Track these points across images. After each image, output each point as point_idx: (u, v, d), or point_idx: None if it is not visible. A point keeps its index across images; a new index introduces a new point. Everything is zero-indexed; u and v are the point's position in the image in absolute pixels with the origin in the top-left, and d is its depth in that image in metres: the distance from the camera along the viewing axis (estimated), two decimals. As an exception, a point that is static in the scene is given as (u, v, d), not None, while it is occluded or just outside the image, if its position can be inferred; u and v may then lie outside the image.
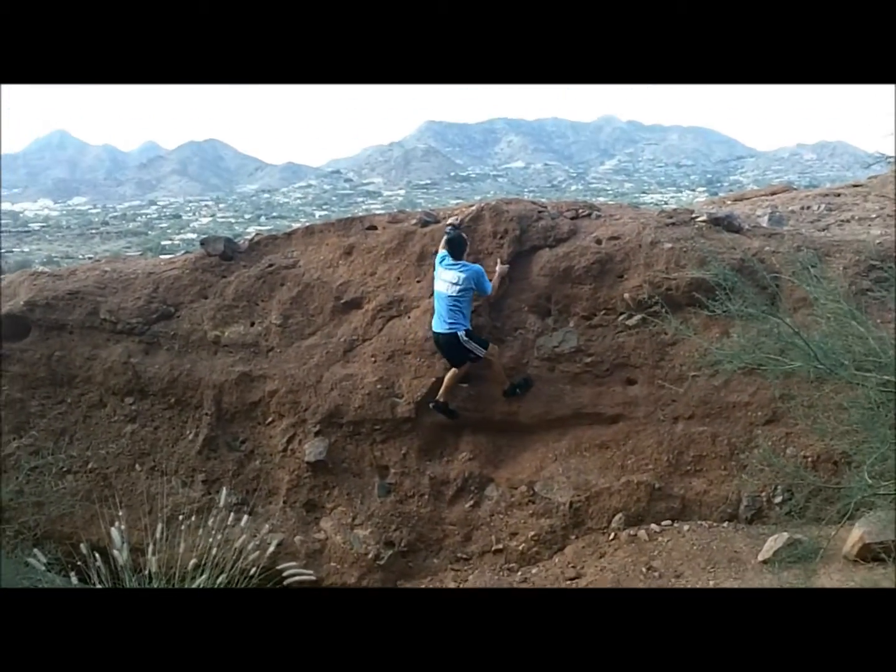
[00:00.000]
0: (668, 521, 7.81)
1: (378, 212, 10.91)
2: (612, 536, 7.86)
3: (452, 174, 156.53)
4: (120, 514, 5.72)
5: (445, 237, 8.55)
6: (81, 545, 5.27)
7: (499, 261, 8.66)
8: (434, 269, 8.48)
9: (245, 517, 6.08)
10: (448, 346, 8.24)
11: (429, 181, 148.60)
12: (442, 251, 8.45)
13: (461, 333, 8.10)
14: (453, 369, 8.32)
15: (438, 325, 8.24)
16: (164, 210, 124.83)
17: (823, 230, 9.93)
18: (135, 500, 8.74)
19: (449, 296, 8.15)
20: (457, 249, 8.34)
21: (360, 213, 10.57)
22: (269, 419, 9.02)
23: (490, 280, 8.38)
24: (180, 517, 5.79)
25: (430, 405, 8.44)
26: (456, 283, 8.14)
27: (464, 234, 8.62)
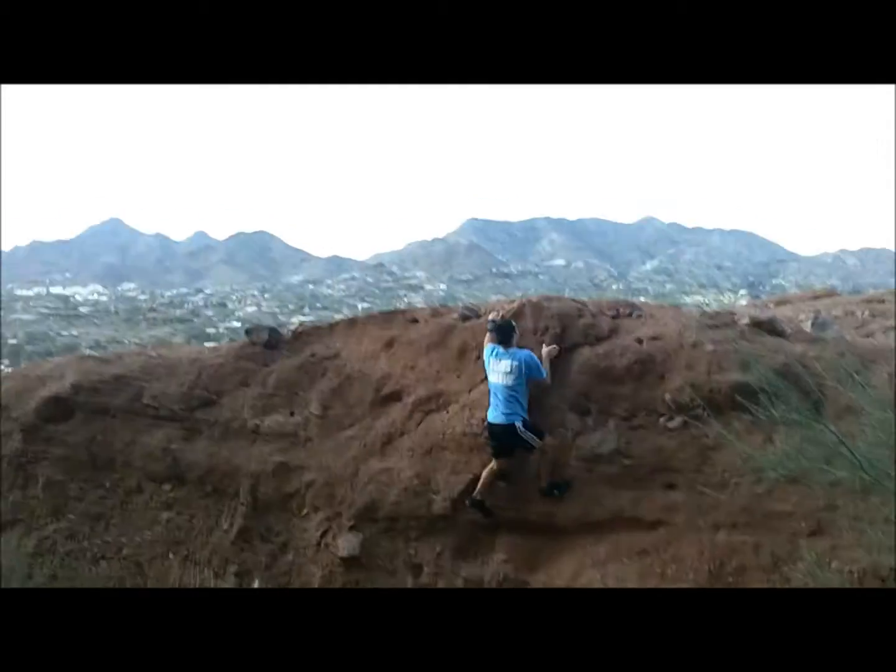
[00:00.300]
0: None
1: (420, 305, 11.01)
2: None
3: (494, 270, 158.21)
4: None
5: (492, 325, 8.57)
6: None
7: (543, 344, 8.64)
8: (486, 364, 8.45)
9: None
10: (504, 436, 8.15)
11: (470, 276, 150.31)
12: (489, 344, 8.47)
13: (518, 423, 8.06)
14: (491, 465, 8.24)
15: (495, 417, 8.19)
16: (211, 298, 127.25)
17: (868, 336, 9.84)
18: (166, 589, 8.67)
19: (505, 386, 8.13)
20: (507, 336, 8.36)
21: (402, 307, 10.69)
22: (305, 511, 8.96)
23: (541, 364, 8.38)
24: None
25: (467, 502, 8.33)
26: (510, 372, 8.14)
27: (512, 321, 8.65)
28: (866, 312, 11.77)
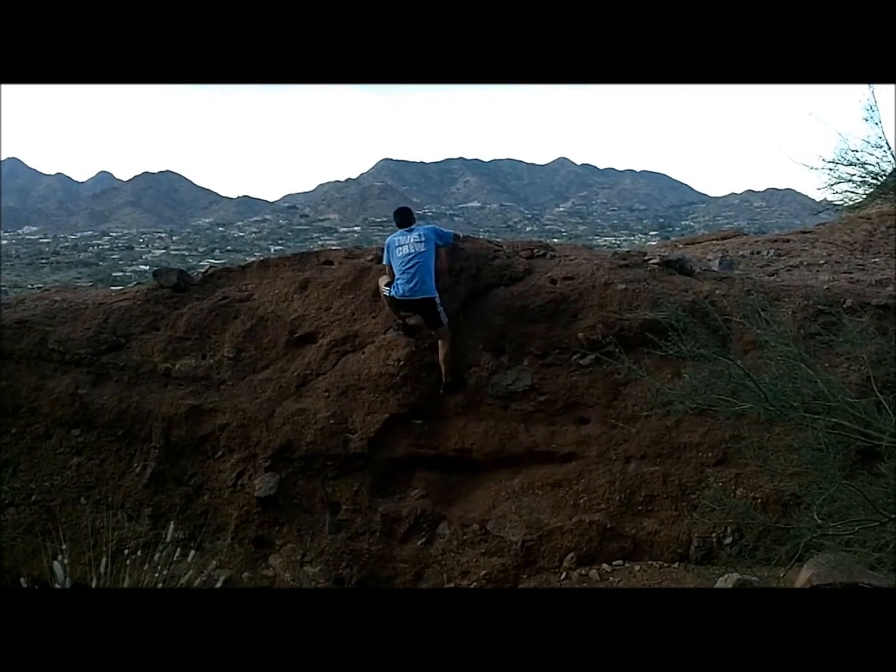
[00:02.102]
0: (620, 561, 7.82)
1: (334, 248, 10.90)
2: (563, 576, 7.83)
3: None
4: (63, 547, 5.57)
5: (394, 215, 8.96)
6: (21, 579, 5.13)
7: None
8: (388, 251, 8.63)
9: (192, 553, 5.98)
10: (424, 307, 8.47)
11: (385, 218, 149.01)
12: (389, 238, 8.72)
13: (436, 297, 8.41)
14: (444, 350, 8.50)
15: (411, 291, 8.35)
16: (117, 241, 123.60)
17: (773, 275, 10.14)
18: (79, 533, 8.50)
19: (418, 253, 8.40)
20: (408, 216, 8.78)
21: (316, 249, 10.55)
22: (219, 453, 8.88)
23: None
24: (126, 552, 5.64)
25: (441, 391, 8.57)
26: (420, 241, 8.48)
27: (407, 206, 9.14)
28: (771, 252, 12.11)
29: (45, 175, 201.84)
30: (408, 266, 8.38)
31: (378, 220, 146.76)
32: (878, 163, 5.57)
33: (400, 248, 8.49)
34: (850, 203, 6.05)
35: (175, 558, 5.70)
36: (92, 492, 8.94)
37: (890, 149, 5.49)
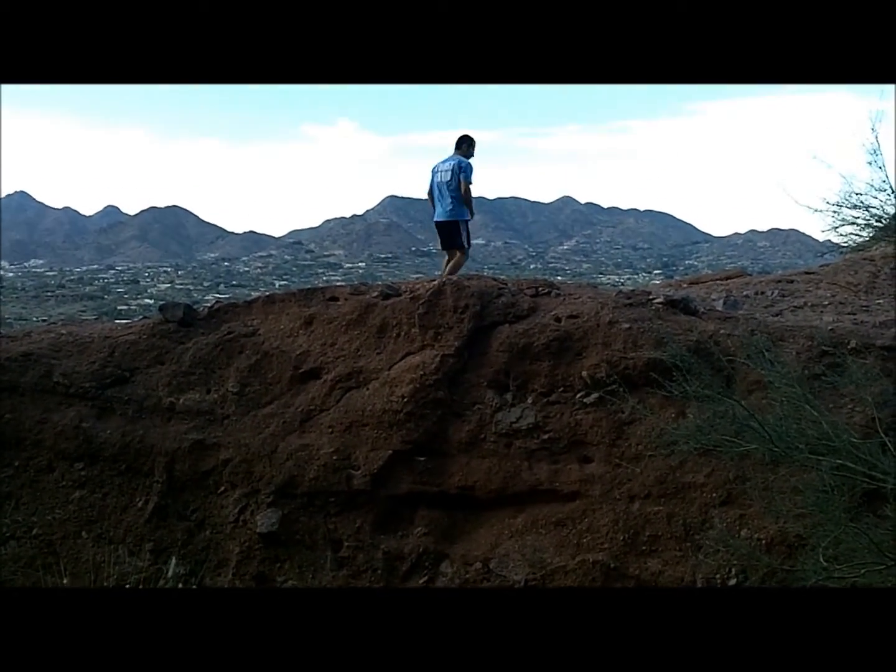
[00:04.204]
0: (623, 602, 7.75)
1: (339, 283, 10.99)
2: (566, 616, 7.76)
3: (413, 249, 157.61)
4: (64, 581, 5.56)
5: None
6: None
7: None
8: (432, 174, 10.47)
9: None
10: (445, 231, 10.36)
11: (390, 255, 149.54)
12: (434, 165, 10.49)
13: (461, 220, 10.16)
14: (451, 265, 10.30)
15: (440, 215, 10.28)
16: (122, 275, 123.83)
17: (777, 315, 10.14)
18: (80, 568, 8.44)
19: (445, 182, 10.08)
20: (461, 143, 10.39)
21: (321, 284, 10.62)
22: (222, 489, 8.86)
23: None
24: (126, 586, 5.62)
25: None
26: (447, 171, 10.15)
27: (470, 135, 10.68)
28: (776, 292, 12.11)
29: (53, 209, 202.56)
30: (437, 193, 10.27)
31: (383, 255, 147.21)
32: (881, 206, 5.62)
33: (435, 175, 10.31)
34: (854, 245, 6.09)
35: (176, 594, 5.66)
36: (93, 526, 8.91)
37: (894, 192, 5.53)
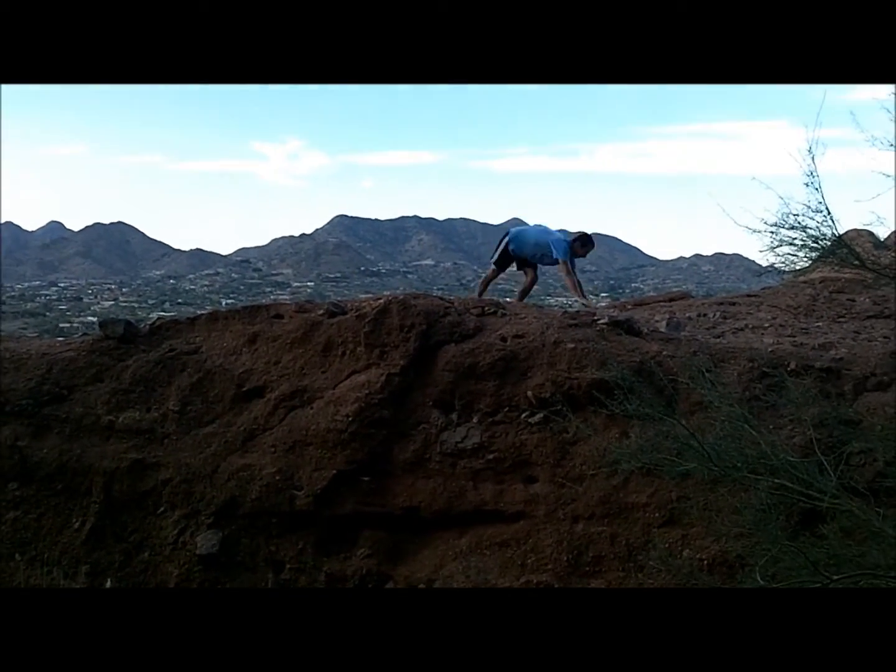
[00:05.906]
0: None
1: (285, 301, 10.88)
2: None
3: (363, 269, 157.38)
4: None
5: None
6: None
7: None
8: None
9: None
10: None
11: (339, 274, 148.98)
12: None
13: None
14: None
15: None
16: (65, 292, 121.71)
17: (719, 337, 10.27)
18: (10, 592, 8.23)
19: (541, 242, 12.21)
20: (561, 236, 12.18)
21: (268, 303, 10.50)
22: (161, 509, 8.68)
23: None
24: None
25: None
26: (546, 234, 12.09)
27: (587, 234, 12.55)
28: (718, 314, 12.29)
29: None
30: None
31: (332, 275, 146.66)
32: (818, 227, 5.74)
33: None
34: (793, 266, 6.22)
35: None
36: (28, 547, 8.68)
37: (829, 214, 5.66)
